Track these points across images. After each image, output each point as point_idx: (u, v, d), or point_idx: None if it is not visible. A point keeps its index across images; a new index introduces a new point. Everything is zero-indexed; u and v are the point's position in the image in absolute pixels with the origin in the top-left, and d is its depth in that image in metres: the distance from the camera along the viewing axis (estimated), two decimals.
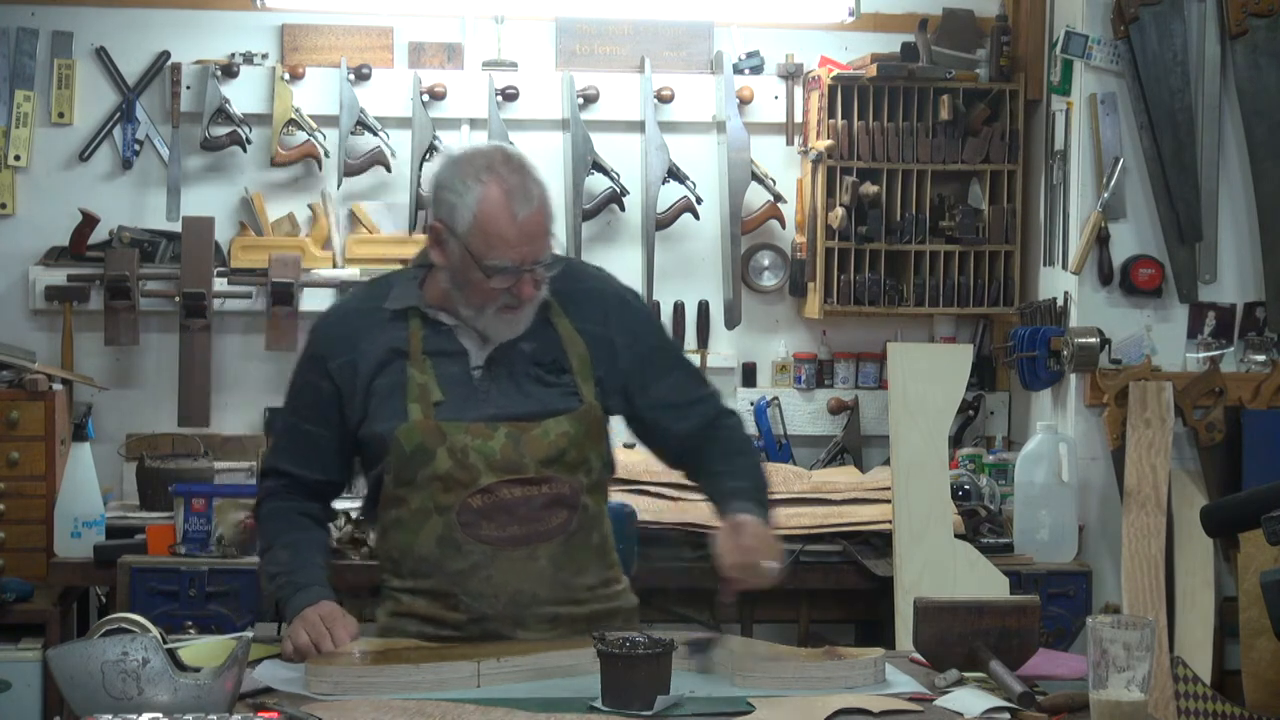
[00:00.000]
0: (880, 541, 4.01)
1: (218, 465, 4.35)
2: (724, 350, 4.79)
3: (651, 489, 4.09)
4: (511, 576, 2.68)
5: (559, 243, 2.76)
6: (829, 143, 4.56)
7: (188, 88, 4.62)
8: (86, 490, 3.98)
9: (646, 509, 3.97)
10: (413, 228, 4.65)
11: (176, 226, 4.62)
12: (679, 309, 4.75)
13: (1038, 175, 4.64)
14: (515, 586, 2.68)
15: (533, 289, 2.66)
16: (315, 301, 4.61)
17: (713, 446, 2.86)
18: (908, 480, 3.97)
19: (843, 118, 4.58)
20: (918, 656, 2.61)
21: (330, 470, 2.83)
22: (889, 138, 4.59)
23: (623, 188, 4.67)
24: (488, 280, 2.63)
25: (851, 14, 4.75)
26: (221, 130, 4.60)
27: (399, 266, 4.57)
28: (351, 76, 4.62)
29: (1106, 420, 4.28)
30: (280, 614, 2.75)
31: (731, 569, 2.61)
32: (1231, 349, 4.35)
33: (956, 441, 4.61)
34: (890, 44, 4.71)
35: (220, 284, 4.59)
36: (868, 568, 3.95)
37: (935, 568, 3.88)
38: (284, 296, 4.55)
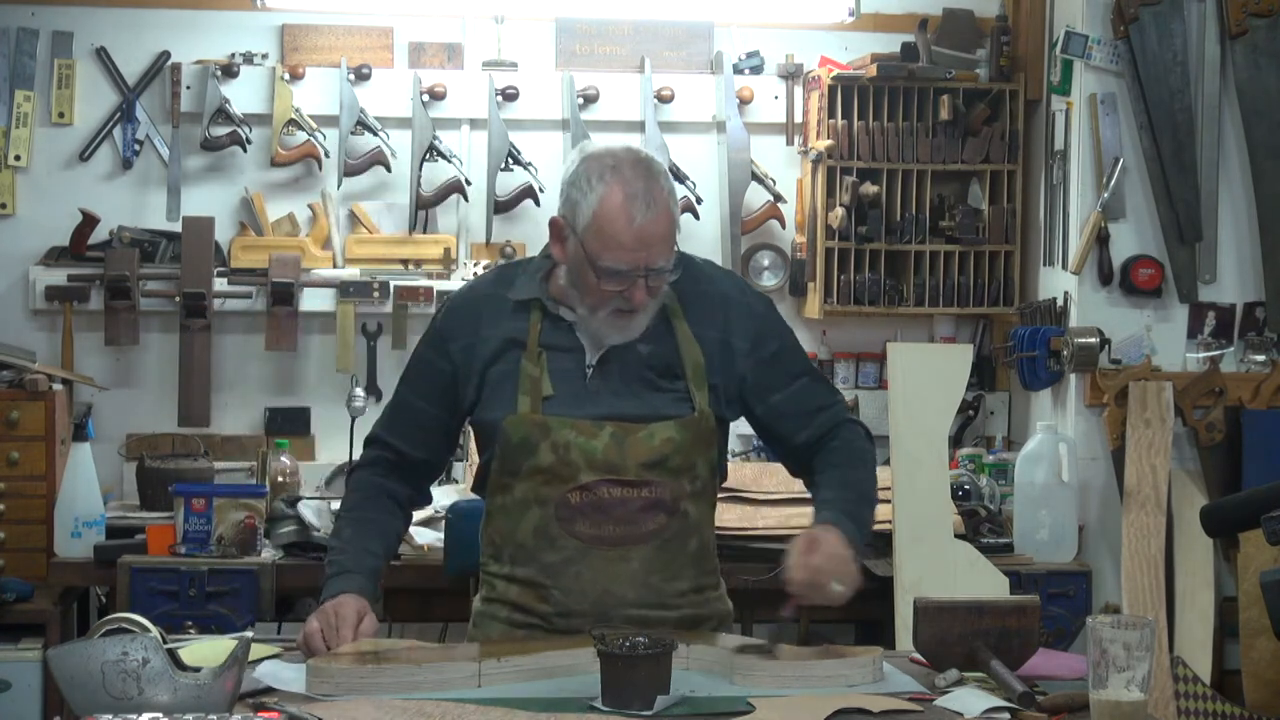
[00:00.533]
0: (880, 541, 4.01)
1: (218, 465, 4.35)
2: None
3: None
4: (601, 575, 2.67)
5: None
6: (829, 143, 4.56)
7: (188, 88, 4.62)
8: (86, 490, 3.98)
9: None
10: (413, 228, 4.65)
11: (176, 226, 4.62)
12: None
13: (1038, 175, 4.64)
14: (604, 586, 2.67)
15: (645, 295, 2.64)
16: (315, 302, 4.62)
17: (824, 455, 2.82)
18: (908, 480, 3.97)
19: (843, 118, 4.58)
20: (918, 656, 2.61)
21: (432, 450, 2.85)
22: (889, 138, 4.59)
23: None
24: (600, 282, 2.63)
25: (851, 14, 4.75)
26: (221, 130, 4.60)
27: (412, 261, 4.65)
28: (351, 76, 4.62)
29: (1106, 420, 4.28)
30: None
31: (797, 586, 2.57)
32: (1231, 349, 4.35)
33: (956, 441, 4.61)
34: (890, 44, 4.71)
35: (220, 284, 4.59)
36: (868, 568, 3.94)
37: (935, 568, 3.87)
38: (284, 296, 4.55)
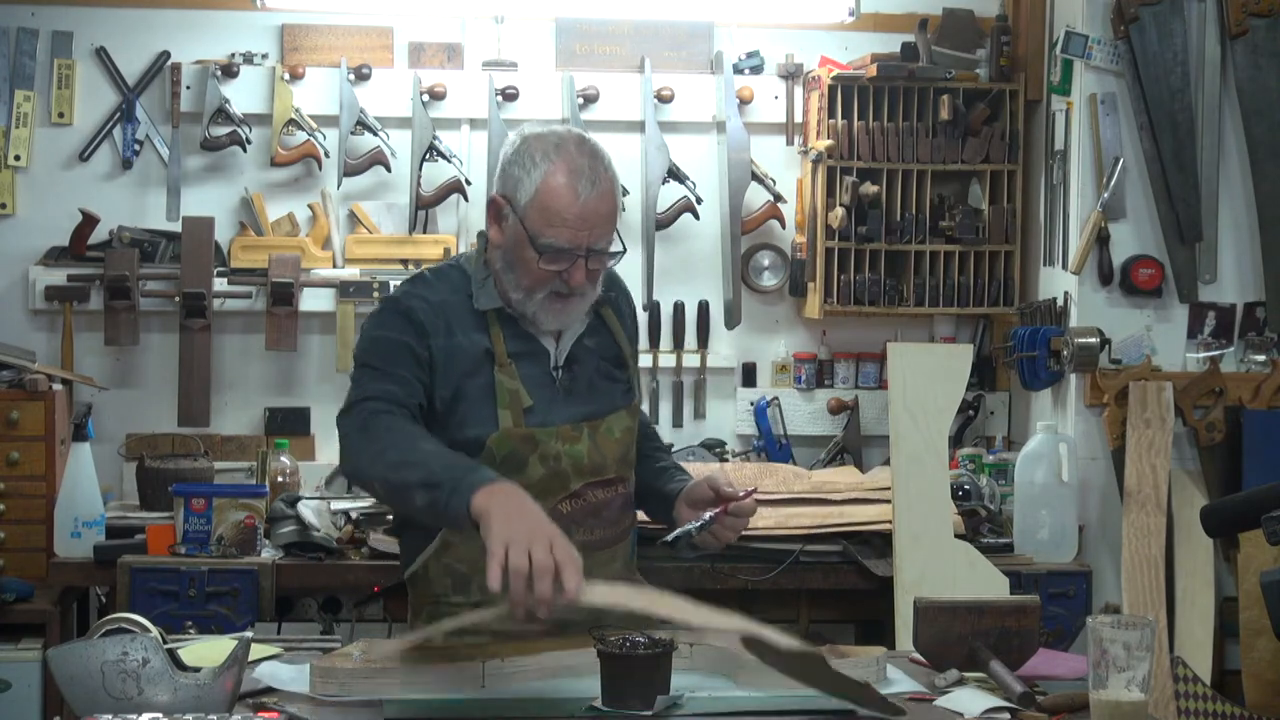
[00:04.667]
0: (880, 541, 4.01)
1: (218, 465, 4.35)
2: (724, 350, 4.79)
3: None
4: (597, 581, 2.65)
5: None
6: (829, 143, 4.56)
7: (188, 88, 4.62)
8: (86, 490, 3.98)
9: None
10: (412, 228, 4.65)
11: (176, 226, 4.62)
12: (679, 309, 4.75)
13: (1038, 175, 4.64)
14: None
15: (583, 277, 2.62)
16: (315, 302, 4.62)
17: (654, 451, 2.93)
18: (908, 480, 3.97)
19: (843, 118, 4.58)
20: (918, 656, 2.62)
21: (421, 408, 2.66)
22: (889, 138, 4.59)
23: (623, 188, 4.64)
24: (539, 260, 2.60)
25: (851, 14, 4.75)
26: (221, 130, 4.59)
27: (394, 264, 4.65)
28: (351, 76, 4.62)
29: (1106, 420, 4.28)
30: (440, 519, 2.51)
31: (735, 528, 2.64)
32: (1231, 349, 4.35)
33: (956, 441, 4.61)
34: (890, 44, 4.71)
35: (220, 284, 4.59)
36: (868, 568, 3.94)
37: (935, 568, 3.87)
38: (284, 296, 4.55)
